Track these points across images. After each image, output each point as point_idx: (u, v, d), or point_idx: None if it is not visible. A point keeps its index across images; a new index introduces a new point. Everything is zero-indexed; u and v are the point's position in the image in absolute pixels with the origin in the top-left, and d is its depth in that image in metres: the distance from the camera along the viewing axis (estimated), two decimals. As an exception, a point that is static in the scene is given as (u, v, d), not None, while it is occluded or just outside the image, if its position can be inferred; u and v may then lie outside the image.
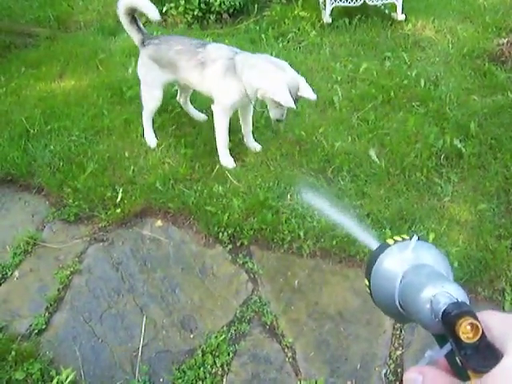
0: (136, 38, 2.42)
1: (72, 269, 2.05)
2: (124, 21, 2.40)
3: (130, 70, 3.29)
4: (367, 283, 0.50)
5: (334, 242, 2.01)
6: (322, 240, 2.03)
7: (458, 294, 0.40)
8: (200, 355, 1.72)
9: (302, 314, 1.85)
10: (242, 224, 2.11)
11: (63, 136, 2.73)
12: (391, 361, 1.71)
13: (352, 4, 3.86)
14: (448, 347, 0.38)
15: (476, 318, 0.36)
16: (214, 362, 1.70)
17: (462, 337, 0.36)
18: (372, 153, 2.41)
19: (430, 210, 2.16)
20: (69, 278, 2.03)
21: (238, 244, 2.09)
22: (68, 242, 2.20)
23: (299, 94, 2.12)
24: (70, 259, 2.11)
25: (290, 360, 1.72)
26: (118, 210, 2.25)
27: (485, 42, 3.63)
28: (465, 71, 3.27)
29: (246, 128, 2.51)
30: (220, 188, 2.28)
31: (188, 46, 2.34)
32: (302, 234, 2.04)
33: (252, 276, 1.98)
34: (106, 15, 4.54)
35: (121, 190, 2.32)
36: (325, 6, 3.89)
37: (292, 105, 2.06)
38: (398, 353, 1.73)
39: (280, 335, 1.79)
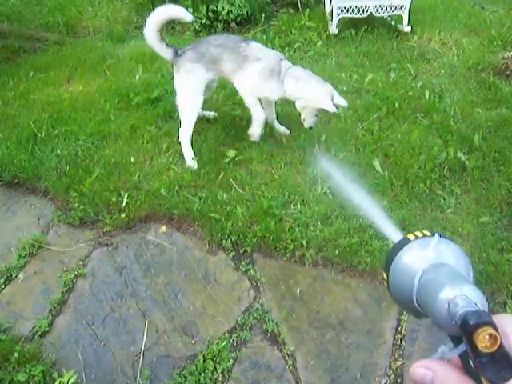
0: (167, 52, 2.46)
1: (76, 272, 2.07)
2: (154, 38, 2.41)
3: (137, 77, 3.33)
4: (385, 277, 0.50)
5: (337, 252, 2.02)
6: (325, 249, 2.04)
7: (476, 297, 0.40)
8: (201, 361, 1.73)
9: (304, 322, 1.86)
10: (245, 231, 2.12)
11: (70, 140, 2.77)
12: (391, 371, 1.71)
13: (358, 15, 3.89)
14: (462, 348, 0.38)
15: (495, 329, 0.36)
16: (215, 368, 1.71)
17: (480, 345, 0.36)
18: (376, 163, 2.43)
19: (432, 221, 2.17)
20: (73, 281, 2.05)
21: (241, 251, 2.10)
22: (72, 245, 2.22)
23: (334, 101, 2.38)
24: (74, 263, 2.13)
25: (291, 368, 1.73)
26: (123, 215, 2.27)
27: (490, 56, 3.65)
28: (469, 84, 3.29)
29: (272, 116, 2.73)
30: (224, 195, 2.30)
31: (228, 41, 2.50)
32: (304, 242, 2.06)
33: (254, 283, 1.99)
34: (115, 21, 4.60)
35: (126, 195, 2.34)
36: (331, 16, 3.93)
37: (336, 110, 2.40)
38: (398, 363, 1.73)
39: (281, 343, 1.79)
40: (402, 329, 1.82)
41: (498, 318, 0.38)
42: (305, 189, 2.33)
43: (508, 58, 3.52)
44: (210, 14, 4.04)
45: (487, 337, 0.36)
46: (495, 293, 1.89)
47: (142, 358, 1.76)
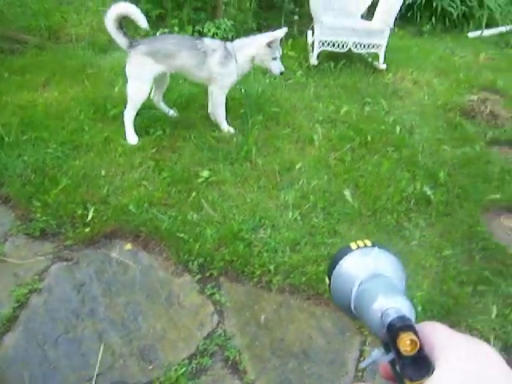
0: (123, 41, 2.69)
1: (31, 287, 1.95)
2: (111, 26, 2.64)
3: (116, 89, 3.29)
4: (327, 282, 0.53)
5: (304, 279, 2.01)
6: (292, 276, 2.03)
7: (406, 309, 0.43)
8: (158, 388, 1.66)
9: (266, 350, 1.82)
10: (213, 254, 2.09)
11: (39, 147, 2.68)
12: (352, 403, 1.69)
13: (338, 50, 4.05)
14: (392, 355, 0.41)
15: (416, 334, 0.39)
16: (172, 395, 1.64)
17: (401, 349, 0.39)
18: (346, 193, 2.47)
19: (397, 252, 2.17)
20: (26, 296, 1.92)
21: (207, 274, 2.06)
22: (30, 258, 2.11)
23: (280, 37, 2.80)
24: (29, 277, 2.01)
25: (250, 398, 1.68)
26: (87, 230, 2.19)
27: (458, 97, 3.87)
28: (438, 122, 3.45)
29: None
30: (194, 215, 2.27)
31: (184, 40, 2.94)
32: (272, 268, 2.04)
33: (218, 308, 1.95)
34: (99, 31, 4.55)
35: (92, 209, 2.26)
36: (313, 48, 4.06)
37: (282, 33, 2.79)
38: (359, 396, 1.72)
39: (242, 371, 1.74)
40: (364, 360, 1.82)
41: (423, 326, 0.42)
42: (276, 214, 2.33)
43: (474, 100, 3.77)
44: (196, 34, 4.09)
45: (408, 342, 0.39)
46: (454, 326, 1.92)
47: (94, 383, 1.67)
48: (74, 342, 1.78)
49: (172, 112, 3.14)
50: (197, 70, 2.82)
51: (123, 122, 2.84)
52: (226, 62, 2.77)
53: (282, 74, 2.88)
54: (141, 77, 2.75)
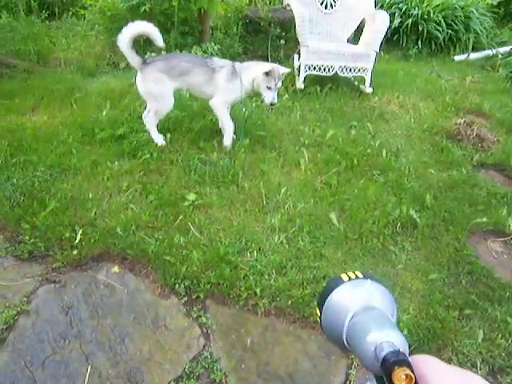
0: (135, 60, 2.83)
1: (19, 309, 1.95)
2: (126, 44, 2.75)
3: (104, 113, 3.33)
4: (318, 313, 0.52)
5: (290, 302, 2.03)
6: (278, 299, 2.04)
7: (400, 343, 0.43)
8: (143, 412, 1.65)
9: (252, 373, 1.82)
10: (199, 277, 2.10)
11: (28, 170, 2.70)
12: (337, 429, 1.69)
13: (324, 74, 4.12)
14: None
15: (411, 369, 0.40)
16: (157, 420, 1.63)
17: None
18: (332, 216, 2.50)
19: (383, 276, 2.22)
20: (14, 318, 1.92)
21: (194, 297, 2.06)
22: (18, 280, 2.11)
23: (281, 72, 2.91)
24: (17, 298, 2.01)
25: (235, 422, 1.67)
26: (75, 252, 2.20)
27: (444, 120, 3.92)
28: (424, 145, 3.50)
29: None
30: (181, 238, 2.29)
31: (195, 58, 3.24)
32: (258, 291, 2.05)
33: (205, 331, 1.95)
34: (88, 55, 4.63)
35: (80, 232, 2.28)
36: (299, 72, 4.14)
37: (283, 69, 2.92)
38: (344, 420, 1.72)
39: (227, 395, 1.74)
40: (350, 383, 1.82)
41: (415, 359, 0.42)
42: (262, 237, 2.35)
43: (460, 123, 3.80)
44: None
45: (403, 376, 0.39)
46: (441, 349, 1.94)
47: (79, 406, 1.66)
48: (61, 363, 1.78)
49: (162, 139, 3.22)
50: (206, 86, 2.97)
51: (110, 147, 2.88)
52: (232, 78, 2.92)
53: (272, 105, 2.95)
54: (163, 92, 2.91)
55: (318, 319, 0.53)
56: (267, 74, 2.84)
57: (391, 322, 0.47)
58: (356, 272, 0.53)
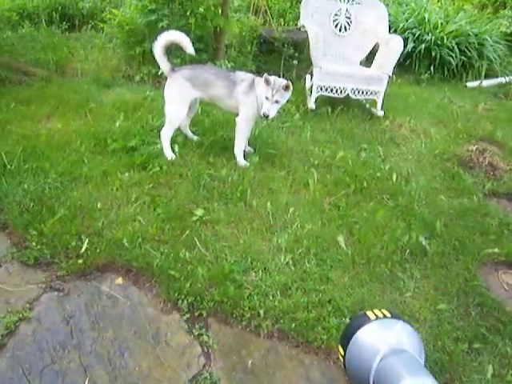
0: (166, 66, 3.01)
1: (21, 315, 1.94)
2: (159, 51, 2.96)
3: (117, 124, 3.37)
4: (342, 352, 0.50)
5: (293, 325, 1.99)
6: (282, 321, 2.01)
7: None
8: (138, 431, 1.61)
9: (252, 397, 1.78)
10: (203, 294, 2.08)
11: (39, 177, 2.72)
12: None
13: (336, 95, 4.14)
14: None
15: None
16: None
17: None
18: (340, 239, 2.47)
19: (390, 303, 2.17)
20: (16, 324, 1.91)
21: (196, 314, 2.03)
22: (22, 286, 2.10)
23: (281, 84, 2.87)
24: (20, 304, 2.00)
25: None
26: (80, 261, 2.19)
27: (455, 147, 3.89)
28: (435, 171, 3.47)
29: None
30: (187, 254, 2.27)
31: (220, 71, 3.35)
32: (262, 312, 2.02)
33: (206, 350, 1.91)
34: (104, 67, 4.71)
35: (86, 241, 2.27)
36: (311, 92, 4.16)
37: (283, 81, 2.87)
38: None
39: (225, 418, 1.70)
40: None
41: None
42: (268, 257, 2.33)
43: (472, 150, 3.77)
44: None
45: None
46: (448, 383, 1.88)
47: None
48: (59, 374, 1.75)
49: (196, 138, 3.40)
50: (227, 99, 3.06)
51: (121, 158, 2.88)
52: (249, 92, 2.98)
53: (266, 116, 2.89)
54: (180, 98, 3.04)
55: (341, 358, 0.50)
56: (266, 81, 2.86)
57: (423, 368, 0.46)
58: (382, 310, 0.50)
